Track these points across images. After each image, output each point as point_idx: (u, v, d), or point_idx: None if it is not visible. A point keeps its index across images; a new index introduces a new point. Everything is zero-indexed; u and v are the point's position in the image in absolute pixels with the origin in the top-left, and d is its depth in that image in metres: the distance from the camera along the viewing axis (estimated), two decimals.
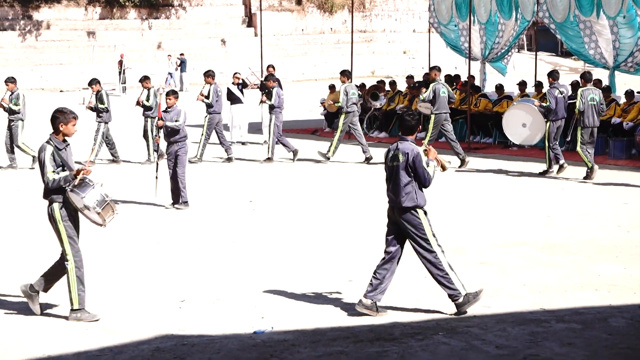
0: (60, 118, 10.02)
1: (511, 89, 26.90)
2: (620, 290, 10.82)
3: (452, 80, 27.59)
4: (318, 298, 10.70)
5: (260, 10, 33.46)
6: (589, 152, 18.87)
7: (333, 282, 11.40)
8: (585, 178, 18.85)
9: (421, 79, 29.50)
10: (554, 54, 62.84)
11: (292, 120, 28.59)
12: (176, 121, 16.59)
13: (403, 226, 10.00)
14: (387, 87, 28.94)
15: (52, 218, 9.96)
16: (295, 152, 22.37)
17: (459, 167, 20.90)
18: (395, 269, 10.15)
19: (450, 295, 9.96)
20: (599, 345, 8.81)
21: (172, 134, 16.60)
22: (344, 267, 12.19)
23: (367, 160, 22.00)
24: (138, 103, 22.48)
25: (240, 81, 26.54)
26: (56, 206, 9.91)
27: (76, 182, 9.82)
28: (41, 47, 52.69)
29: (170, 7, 57.18)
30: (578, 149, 18.93)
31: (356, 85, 28.78)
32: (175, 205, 16.51)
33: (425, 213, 10.02)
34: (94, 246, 13.75)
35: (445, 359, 8.44)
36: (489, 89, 28.32)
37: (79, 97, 42.70)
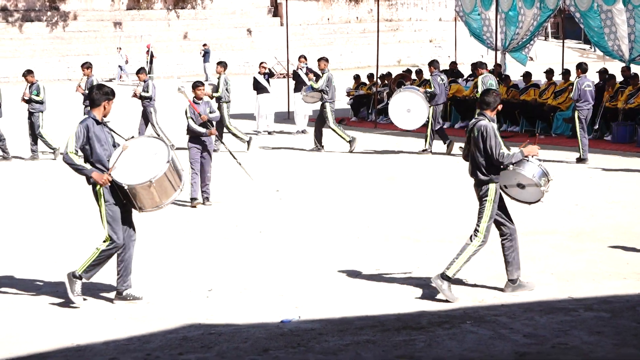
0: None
1: (538, 77, 26.75)
2: None
3: (480, 67, 27.46)
4: (345, 287, 10.70)
5: None
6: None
7: (360, 271, 11.39)
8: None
9: (447, 68, 29.47)
10: (581, 41, 62.47)
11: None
12: (211, 112, 16.07)
13: None
14: (414, 76, 28.88)
15: (485, 197, 10.12)
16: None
17: (349, 151, 22.01)
18: None
19: None
20: (627, 333, 8.76)
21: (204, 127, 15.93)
22: (371, 256, 12.18)
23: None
24: (24, 99, 21.73)
25: (267, 71, 26.57)
26: (492, 186, 10.08)
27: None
28: (68, 38, 52.88)
29: None
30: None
31: (382, 75, 28.87)
32: (207, 203, 15.95)
33: None
34: None
35: (473, 348, 8.42)
36: (512, 78, 28.22)
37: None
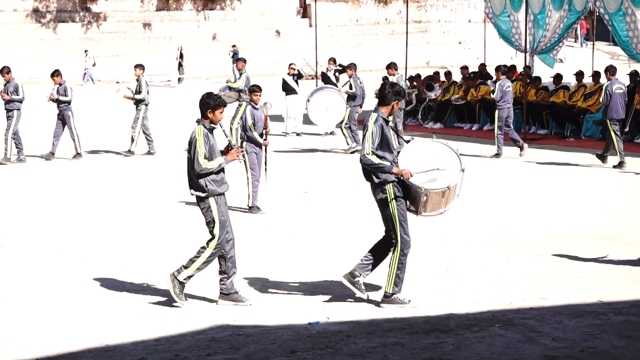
0: None
1: (568, 79, 26.64)
2: None
3: (509, 70, 27.38)
4: (373, 289, 10.69)
5: (315, 0, 33.43)
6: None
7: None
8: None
9: (476, 70, 29.38)
10: (611, 43, 62.09)
11: None
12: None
13: None
14: (442, 78, 28.82)
15: None
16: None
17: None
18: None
19: None
20: None
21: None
22: None
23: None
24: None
25: (296, 72, 26.60)
26: None
27: None
28: (98, 39, 53.16)
29: None
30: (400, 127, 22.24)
31: (411, 76, 28.79)
32: (260, 211, 15.46)
33: None
34: (149, 236, 13.86)
35: (501, 351, 8.39)
36: (542, 80, 28.08)
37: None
